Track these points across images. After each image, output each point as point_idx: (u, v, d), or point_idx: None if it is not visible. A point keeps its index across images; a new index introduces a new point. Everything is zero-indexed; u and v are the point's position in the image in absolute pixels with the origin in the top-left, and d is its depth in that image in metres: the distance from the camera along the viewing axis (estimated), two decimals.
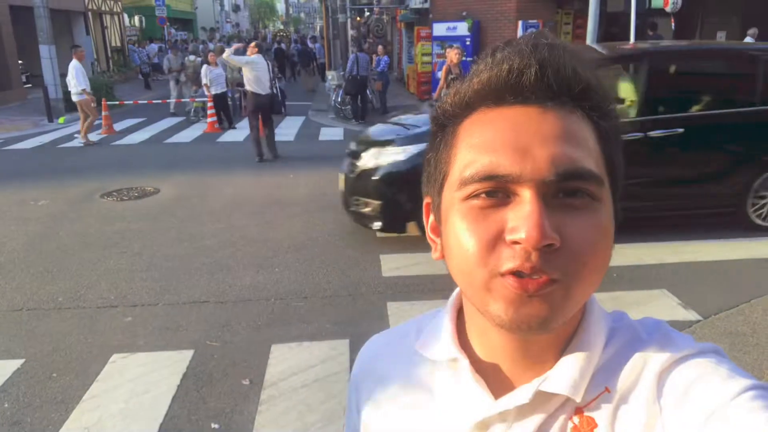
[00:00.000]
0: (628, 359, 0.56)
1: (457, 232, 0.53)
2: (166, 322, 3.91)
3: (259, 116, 9.13)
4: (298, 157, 9.42)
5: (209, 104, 12.13)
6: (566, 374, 0.55)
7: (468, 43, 13.54)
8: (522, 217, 0.49)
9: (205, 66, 12.29)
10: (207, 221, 6.11)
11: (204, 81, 12.03)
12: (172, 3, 32.59)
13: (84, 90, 10.83)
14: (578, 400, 0.55)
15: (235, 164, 9.04)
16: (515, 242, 0.49)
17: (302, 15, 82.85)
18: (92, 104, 11.03)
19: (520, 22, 13.35)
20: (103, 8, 24.68)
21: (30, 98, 17.23)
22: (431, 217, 0.62)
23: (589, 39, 10.03)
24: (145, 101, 14.48)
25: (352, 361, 3.42)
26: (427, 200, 0.62)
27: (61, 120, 13.38)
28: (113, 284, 4.53)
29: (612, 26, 13.55)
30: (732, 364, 0.54)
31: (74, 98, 10.97)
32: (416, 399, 0.64)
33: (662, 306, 4.03)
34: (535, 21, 13.34)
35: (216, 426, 2.91)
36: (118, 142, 11.09)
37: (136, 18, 31.50)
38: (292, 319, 3.96)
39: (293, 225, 5.95)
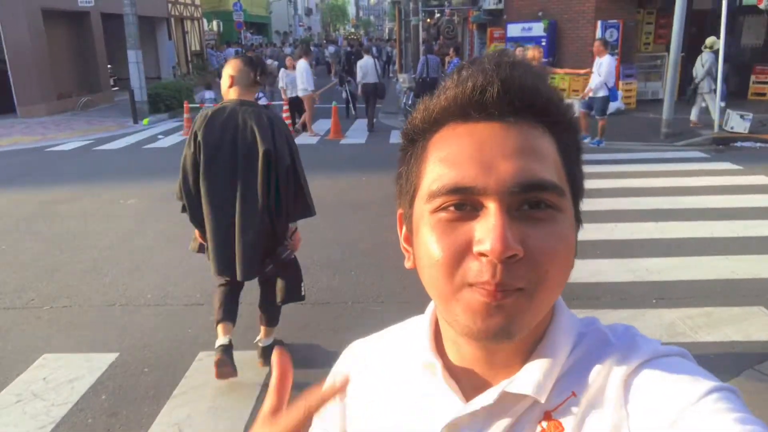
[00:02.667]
0: (595, 363, 0.58)
1: (427, 243, 0.56)
2: (249, 322, 4.02)
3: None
4: (370, 160, 9.50)
5: (284, 107, 12.44)
6: (531, 376, 0.57)
7: (543, 44, 13.23)
8: (487, 230, 0.52)
9: (282, 70, 12.57)
10: None
11: (281, 84, 12.31)
12: (248, 8, 33.67)
13: (310, 89, 11.84)
14: (542, 400, 0.56)
15: (309, 166, 9.12)
16: (481, 254, 0.52)
17: (372, 18, 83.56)
18: (315, 101, 12.21)
19: (599, 23, 12.94)
20: (184, 14, 25.81)
21: (117, 100, 18.23)
22: (404, 228, 0.65)
23: (675, 39, 9.60)
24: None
25: None
26: (400, 211, 0.66)
27: (145, 122, 14.07)
28: (198, 283, 4.70)
29: (693, 26, 12.90)
30: (696, 367, 0.55)
31: (300, 93, 11.91)
32: (393, 401, 0.67)
33: (759, 325, 3.78)
34: (615, 21, 12.90)
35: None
36: None
37: (214, 23, 32.76)
38: (370, 323, 3.94)
39: (367, 227, 6.00)
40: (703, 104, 10.49)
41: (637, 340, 0.59)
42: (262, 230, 3.19)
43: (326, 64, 29.24)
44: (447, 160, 0.56)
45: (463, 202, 0.54)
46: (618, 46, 12.61)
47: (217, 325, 3.36)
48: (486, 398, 0.59)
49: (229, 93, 3.16)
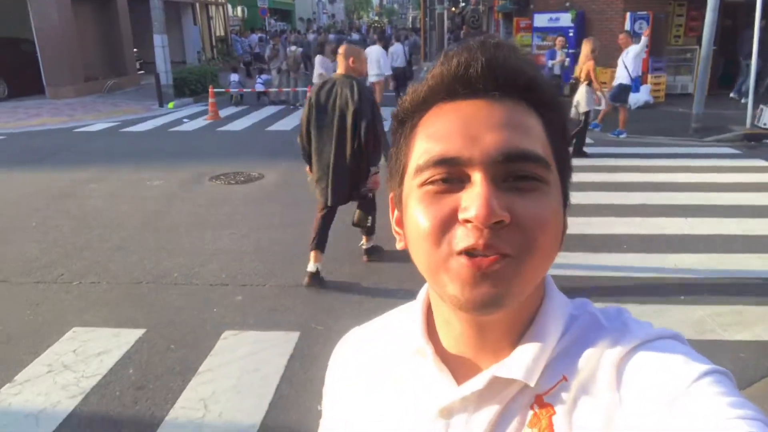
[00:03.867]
0: (586, 347, 0.57)
1: (414, 215, 0.56)
2: (274, 304, 4.06)
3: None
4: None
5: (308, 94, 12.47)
6: (520, 360, 0.57)
7: (571, 34, 13.04)
8: (472, 197, 0.52)
9: (319, 57, 12.58)
10: (309, 208, 6.25)
11: (319, 71, 12.36)
12: None
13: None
14: (532, 384, 0.56)
15: None
16: (467, 221, 0.52)
17: (395, 6, 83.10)
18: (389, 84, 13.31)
19: (628, 14, 12.70)
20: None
21: (143, 84, 18.41)
22: (395, 211, 0.65)
23: (707, 32, 9.39)
24: (249, 90, 15.04)
25: None
26: (391, 194, 0.67)
27: (170, 105, 14.19)
28: (224, 264, 4.75)
29: (727, 18, 12.60)
30: (689, 349, 0.55)
31: (370, 80, 12.28)
32: (387, 388, 0.67)
33: None
34: (644, 12, 12.65)
35: (321, 409, 2.97)
36: (222, 128, 11.60)
37: (239, 9, 32.84)
38: (392, 307, 3.98)
39: (388, 215, 5.98)
40: None
41: (629, 323, 0.59)
42: (348, 169, 4.28)
43: None
44: (434, 136, 0.57)
45: (450, 175, 0.55)
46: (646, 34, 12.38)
47: (310, 252, 4.37)
48: (476, 383, 0.59)
49: (338, 70, 4.40)
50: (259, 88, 14.76)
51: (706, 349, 3.03)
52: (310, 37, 23.64)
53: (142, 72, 19.98)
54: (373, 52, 12.44)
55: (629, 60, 9.19)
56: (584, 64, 8.40)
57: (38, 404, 3.01)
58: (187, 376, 3.26)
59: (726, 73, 13.49)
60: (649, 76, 12.68)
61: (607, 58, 11.68)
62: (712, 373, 0.51)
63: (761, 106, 9.86)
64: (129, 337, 3.65)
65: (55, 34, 15.24)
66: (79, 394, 3.07)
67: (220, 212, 6.14)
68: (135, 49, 19.44)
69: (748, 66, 10.60)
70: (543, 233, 0.54)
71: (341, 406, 0.72)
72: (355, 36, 29.57)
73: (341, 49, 4.44)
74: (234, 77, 14.82)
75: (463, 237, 0.52)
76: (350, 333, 0.80)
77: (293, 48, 15.34)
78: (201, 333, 3.72)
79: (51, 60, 15.41)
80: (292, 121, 12.39)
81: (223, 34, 28.16)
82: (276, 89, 14.72)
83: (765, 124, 9.77)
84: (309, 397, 3.07)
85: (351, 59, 4.30)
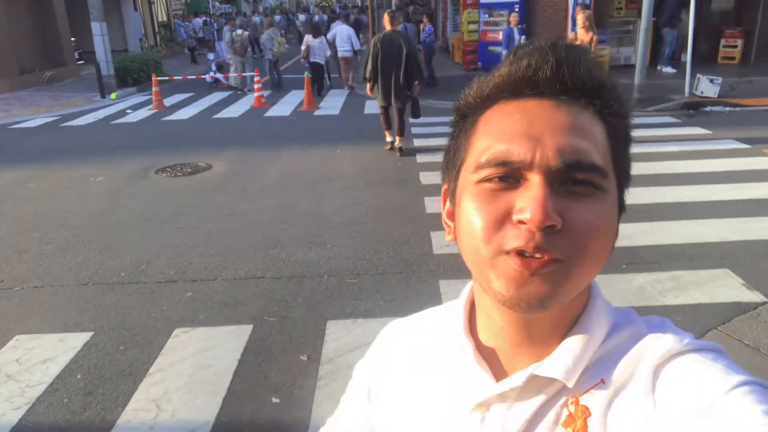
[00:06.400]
0: (626, 353, 0.59)
1: (468, 211, 0.57)
2: (225, 298, 4.02)
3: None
4: (344, 132, 9.43)
5: (256, 78, 12.27)
6: (561, 361, 0.58)
7: (516, 10, 13.12)
8: (528, 199, 0.53)
9: (307, 36, 13.12)
10: (259, 197, 6.21)
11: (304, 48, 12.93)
12: None
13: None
14: (570, 386, 0.58)
15: (283, 139, 9.13)
16: (521, 222, 0.53)
17: None
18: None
19: None
20: None
21: (83, 75, 17.71)
22: (447, 203, 0.66)
23: (646, 4, 9.59)
24: (194, 76, 14.65)
25: None
26: (444, 186, 0.67)
27: (113, 96, 13.73)
28: (172, 260, 4.67)
29: None
30: (729, 362, 0.55)
31: (341, 54, 13.43)
32: (425, 380, 0.69)
33: (725, 287, 3.89)
34: None
35: (276, 400, 2.99)
36: (168, 118, 11.31)
37: None
38: (346, 296, 4.01)
39: (342, 201, 5.99)
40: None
41: (672, 333, 0.59)
42: (402, 82, 7.31)
43: (297, 33, 28.67)
44: (496, 134, 0.57)
45: (508, 174, 0.55)
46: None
47: (385, 131, 7.82)
48: (515, 380, 0.60)
49: (388, 27, 7.38)
50: (213, 73, 14.69)
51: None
52: (256, 19, 23.13)
53: (82, 62, 19.22)
54: (344, 30, 12.99)
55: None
56: (585, 37, 8.30)
57: None
58: (137, 377, 3.21)
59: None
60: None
61: (554, 32, 11.81)
62: (750, 384, 0.51)
63: (698, 75, 10.19)
64: (75, 341, 3.56)
65: None
66: (24, 404, 2.99)
67: (167, 206, 6.01)
68: (73, 39, 18.64)
69: (665, 35, 10.92)
70: (594, 240, 0.55)
71: (380, 397, 0.74)
72: (303, 16, 29.08)
73: (387, 16, 7.54)
74: (211, 56, 14.94)
75: (514, 237, 0.53)
76: (391, 325, 0.81)
77: (239, 31, 14.97)
78: (151, 332, 3.66)
79: None
80: (241, 107, 12.18)
81: (165, 19, 27.25)
82: (236, 74, 14.33)
83: (702, 93, 10.11)
84: (263, 390, 3.07)
85: (395, 21, 7.47)
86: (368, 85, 7.46)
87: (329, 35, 13.67)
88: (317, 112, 11.39)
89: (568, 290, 0.55)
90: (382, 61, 7.18)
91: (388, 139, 7.79)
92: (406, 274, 4.30)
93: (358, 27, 19.48)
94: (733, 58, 13.58)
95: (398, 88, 7.28)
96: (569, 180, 0.54)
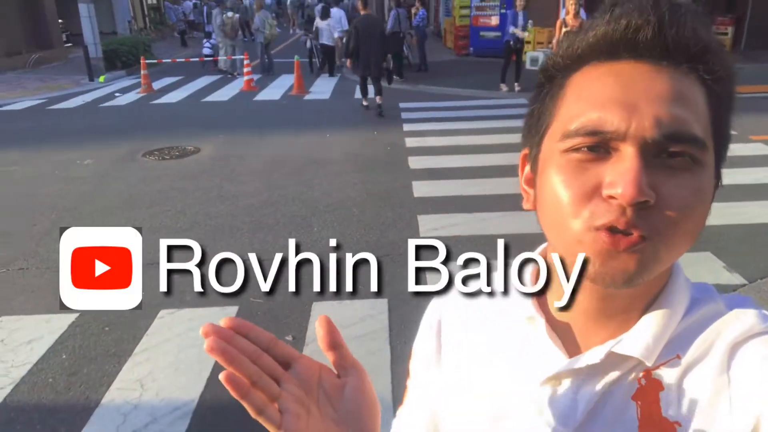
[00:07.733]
0: (704, 330, 0.56)
1: (554, 183, 0.54)
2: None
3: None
4: (334, 116, 9.40)
5: (246, 61, 12.20)
6: (641, 338, 0.56)
7: None
8: (620, 173, 0.49)
9: (317, 19, 13.24)
10: (247, 181, 6.20)
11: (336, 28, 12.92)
12: None
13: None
14: (649, 364, 0.56)
15: (273, 123, 9.10)
16: (611, 197, 0.50)
17: None
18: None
19: None
20: None
21: (71, 57, 17.51)
22: (527, 168, 0.63)
23: None
24: (183, 59, 14.53)
25: (390, 320, 3.50)
26: (524, 151, 0.63)
27: (101, 79, 13.58)
28: (157, 243, 4.64)
29: None
30: None
31: (336, 34, 13.17)
32: (493, 354, 0.66)
33: (707, 269, 3.95)
34: None
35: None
36: (157, 101, 11.22)
37: None
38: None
39: (330, 185, 5.99)
40: None
41: (752, 312, 0.56)
42: (380, 56, 8.92)
43: (287, 16, 28.42)
44: (587, 99, 0.53)
45: (598, 144, 0.52)
46: None
47: (363, 96, 9.53)
48: (592, 357, 0.58)
49: (362, 11, 9.19)
50: (207, 52, 14.57)
51: None
52: (246, 1, 22.90)
53: (70, 44, 18.96)
54: (335, 13, 13.14)
55: None
56: (575, 22, 8.23)
57: None
58: (122, 357, 3.23)
59: None
60: None
61: (542, 18, 11.82)
62: None
63: None
64: (61, 322, 3.57)
65: None
66: (8, 384, 3.00)
67: (154, 189, 5.99)
68: (60, 20, 18.41)
69: None
70: (687, 218, 0.51)
71: (447, 369, 0.71)
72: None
73: (360, 2, 9.22)
74: (208, 42, 14.83)
75: (604, 213, 0.50)
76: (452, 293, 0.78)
77: (230, 14, 14.82)
78: (136, 314, 3.66)
79: None
80: (230, 91, 12.11)
81: (155, 1, 26.93)
82: (225, 57, 14.20)
83: None
84: None
85: (368, 6, 8.78)
86: (348, 61, 9.12)
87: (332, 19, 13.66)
88: (307, 97, 11.34)
89: (656, 268, 0.53)
90: (361, 40, 8.63)
91: (365, 103, 9.53)
92: (392, 257, 4.32)
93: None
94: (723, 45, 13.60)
95: (375, 62, 8.90)
96: (665, 152, 0.50)
